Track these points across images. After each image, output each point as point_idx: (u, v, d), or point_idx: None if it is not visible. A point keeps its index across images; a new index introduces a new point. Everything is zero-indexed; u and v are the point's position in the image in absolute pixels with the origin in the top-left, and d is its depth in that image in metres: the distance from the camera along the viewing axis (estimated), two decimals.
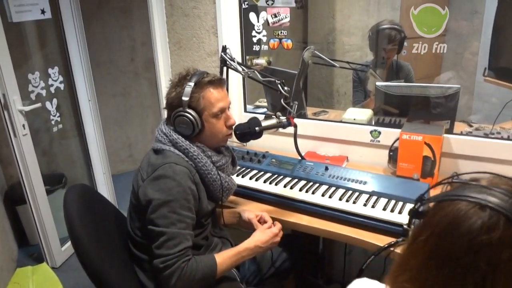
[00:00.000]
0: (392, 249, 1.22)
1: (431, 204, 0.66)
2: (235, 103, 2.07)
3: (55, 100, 2.50)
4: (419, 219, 0.85)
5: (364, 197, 1.43)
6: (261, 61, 2.04)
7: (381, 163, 1.76)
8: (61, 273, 2.36)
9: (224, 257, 1.22)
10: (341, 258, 1.93)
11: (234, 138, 1.41)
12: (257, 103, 2.28)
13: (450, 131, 1.68)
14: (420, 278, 0.61)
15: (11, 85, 2.10)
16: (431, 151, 1.55)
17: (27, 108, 2.18)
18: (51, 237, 2.39)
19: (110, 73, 3.46)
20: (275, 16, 1.95)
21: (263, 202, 1.53)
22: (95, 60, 2.98)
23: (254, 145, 1.83)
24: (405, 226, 1.20)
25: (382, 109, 1.87)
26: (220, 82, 1.28)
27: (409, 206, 1.35)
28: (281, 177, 1.61)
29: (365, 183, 1.49)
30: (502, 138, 1.61)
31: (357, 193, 1.45)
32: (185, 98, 1.22)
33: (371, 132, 1.78)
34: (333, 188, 1.49)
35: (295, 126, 1.47)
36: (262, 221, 1.38)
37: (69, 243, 2.50)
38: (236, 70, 1.59)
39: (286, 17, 1.95)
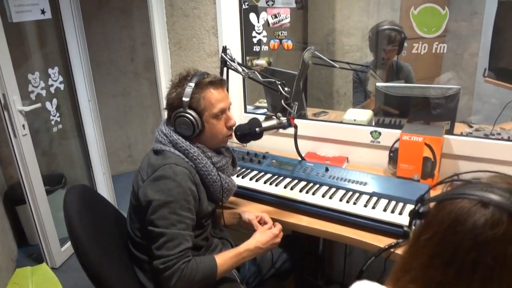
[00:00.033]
0: (392, 250, 1.22)
1: (432, 204, 0.67)
2: (235, 103, 2.07)
3: (55, 100, 2.50)
4: (420, 219, 0.85)
5: (365, 198, 1.43)
6: (261, 61, 2.04)
7: (381, 164, 1.76)
8: (60, 273, 2.36)
9: (224, 258, 1.21)
10: (341, 259, 1.93)
11: (234, 138, 1.41)
12: (257, 104, 2.28)
13: (450, 132, 1.68)
14: (425, 277, 0.61)
15: (11, 85, 2.09)
16: (432, 152, 1.55)
17: (27, 108, 2.18)
18: (50, 237, 2.39)
19: (110, 73, 3.46)
20: (276, 17, 1.95)
21: (263, 203, 1.53)
22: (95, 60, 2.97)
23: (254, 145, 1.83)
24: (405, 228, 1.20)
25: (382, 110, 1.87)
26: (221, 83, 1.28)
27: (410, 207, 1.35)
28: (281, 178, 1.61)
29: (365, 184, 1.49)
30: (502, 139, 1.61)
31: (357, 194, 1.45)
32: (185, 99, 1.22)
33: (371, 133, 1.78)
34: (333, 189, 1.49)
35: (296, 127, 1.47)
36: (262, 222, 1.38)
37: (68, 244, 2.50)
38: (236, 70, 1.58)
39: (286, 18, 1.95)
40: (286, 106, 1.43)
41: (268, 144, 1.89)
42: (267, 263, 1.49)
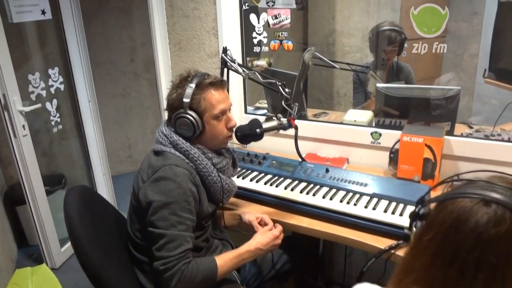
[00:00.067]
0: (393, 251, 1.22)
1: (433, 205, 0.67)
2: (235, 104, 2.06)
3: (55, 101, 2.50)
4: (421, 221, 0.85)
5: (365, 199, 1.43)
6: (262, 62, 2.03)
7: (381, 165, 1.76)
8: (60, 274, 2.36)
9: (224, 259, 1.21)
10: (341, 260, 1.93)
11: (234, 139, 1.40)
12: (257, 104, 2.28)
13: (450, 133, 1.68)
14: (427, 278, 0.61)
15: (11, 86, 2.09)
16: (432, 153, 1.55)
17: (27, 109, 2.18)
18: (50, 238, 2.38)
19: (110, 74, 3.46)
20: (276, 18, 1.95)
21: (264, 204, 1.53)
22: (95, 60, 2.97)
23: (254, 146, 1.83)
24: (406, 231, 1.20)
25: (382, 111, 1.87)
26: (221, 84, 1.28)
27: (410, 208, 1.35)
28: (282, 179, 1.61)
29: (365, 185, 1.49)
30: (502, 140, 1.61)
31: (357, 195, 1.45)
32: (186, 100, 1.22)
33: (371, 134, 1.78)
34: (333, 190, 1.49)
35: (296, 128, 1.47)
36: (262, 223, 1.38)
37: (68, 244, 2.49)
38: (236, 71, 1.58)
39: (286, 19, 1.95)
40: (286, 107, 1.43)
41: (269, 145, 1.88)
42: (268, 265, 1.49)
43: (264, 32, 2.00)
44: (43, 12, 2.31)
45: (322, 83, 2.92)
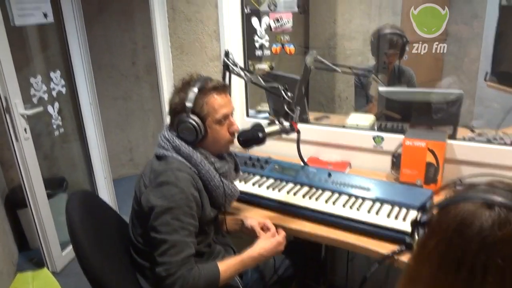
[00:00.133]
0: (396, 257, 1.21)
1: (435, 211, 0.66)
2: (237, 108, 2.06)
3: (56, 104, 2.50)
4: (423, 228, 0.84)
5: (368, 203, 1.42)
6: (264, 66, 2.03)
7: (383, 169, 1.75)
8: (61, 277, 2.35)
9: (227, 265, 1.20)
10: (343, 264, 1.92)
11: (236, 143, 1.40)
12: (259, 108, 2.28)
13: (453, 136, 1.68)
14: (436, 285, 0.61)
15: (13, 89, 2.09)
16: (434, 157, 1.55)
17: (29, 112, 2.18)
18: (51, 241, 2.38)
19: (111, 77, 3.46)
20: (278, 21, 1.95)
21: (266, 209, 1.52)
22: (97, 63, 2.98)
23: (256, 150, 1.83)
24: (408, 240, 1.19)
25: (384, 114, 1.86)
26: (224, 88, 1.27)
27: (413, 212, 1.34)
28: (284, 183, 1.60)
29: (368, 189, 1.49)
30: (505, 144, 1.61)
31: (360, 200, 1.44)
32: (188, 104, 1.21)
33: (374, 138, 1.78)
34: (336, 195, 1.49)
35: (298, 132, 1.47)
36: (265, 228, 1.37)
37: (69, 248, 2.49)
38: (238, 75, 1.58)
39: (288, 22, 1.95)
40: (289, 111, 1.43)
41: (270, 148, 1.87)
42: (270, 270, 1.49)
43: (266, 36, 2.00)
44: (45, 15, 2.31)
45: (324, 87, 2.92)
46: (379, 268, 1.22)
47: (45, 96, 2.40)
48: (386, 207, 1.40)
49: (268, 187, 1.58)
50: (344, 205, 1.42)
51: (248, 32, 2.01)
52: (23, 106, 2.16)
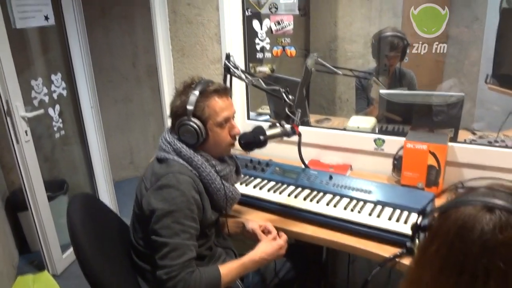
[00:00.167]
0: (398, 260, 1.20)
1: (435, 216, 0.66)
2: (238, 110, 2.06)
3: (57, 107, 2.50)
4: (424, 232, 0.84)
5: (369, 206, 1.42)
6: (264, 68, 2.04)
7: (385, 171, 1.75)
8: (62, 280, 2.34)
9: (228, 268, 1.20)
10: (344, 267, 1.92)
11: (237, 145, 1.40)
12: (260, 110, 2.28)
13: (454, 139, 1.68)
14: None
15: (14, 91, 2.10)
16: (436, 160, 1.54)
17: (30, 115, 2.18)
18: (52, 244, 2.38)
19: (111, 79, 3.46)
20: (279, 24, 1.95)
21: (267, 211, 1.52)
22: (97, 65, 2.98)
23: (257, 153, 1.82)
24: (408, 244, 1.19)
25: (385, 117, 1.86)
26: (225, 91, 1.28)
27: (415, 215, 1.33)
28: (285, 185, 1.60)
29: (369, 192, 1.48)
30: (506, 146, 1.60)
31: (362, 203, 1.44)
32: (189, 107, 1.22)
33: (375, 140, 1.78)
34: (337, 198, 1.49)
35: (300, 135, 1.47)
36: (266, 231, 1.37)
37: (70, 250, 2.49)
38: (240, 78, 1.58)
39: (289, 25, 1.95)
40: (290, 114, 1.43)
41: (271, 151, 1.87)
42: (271, 273, 1.48)
43: (267, 38, 2.00)
44: (46, 18, 2.32)
45: (324, 89, 2.92)
46: (380, 271, 1.22)
47: (46, 99, 2.40)
48: (388, 210, 1.39)
49: (269, 190, 1.58)
50: (345, 208, 1.42)
51: (249, 35, 2.02)
52: (24, 108, 2.16)
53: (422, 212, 0.85)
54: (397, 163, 1.68)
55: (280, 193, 1.55)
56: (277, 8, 1.93)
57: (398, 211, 1.38)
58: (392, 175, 1.72)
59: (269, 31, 1.98)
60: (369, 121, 1.90)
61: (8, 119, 2.10)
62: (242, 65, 2.03)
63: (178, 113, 1.24)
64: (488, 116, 2.26)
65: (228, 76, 1.64)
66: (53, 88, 2.47)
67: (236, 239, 1.47)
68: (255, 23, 1.99)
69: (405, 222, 1.32)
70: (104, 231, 1.31)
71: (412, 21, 1.76)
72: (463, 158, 1.63)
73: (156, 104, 3.17)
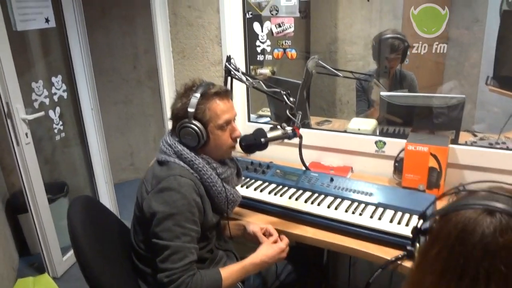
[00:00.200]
0: (399, 262, 1.20)
1: (436, 219, 0.66)
2: (238, 112, 2.05)
3: (58, 109, 2.50)
4: (425, 236, 0.84)
5: (370, 208, 1.42)
6: (265, 70, 2.04)
7: (386, 173, 1.75)
8: (62, 283, 2.34)
9: (229, 271, 1.20)
10: (345, 269, 1.91)
11: (238, 147, 1.40)
12: (260, 112, 2.28)
13: (455, 141, 1.68)
14: None
15: (15, 94, 2.09)
16: (437, 162, 1.54)
17: (30, 117, 2.18)
18: (52, 246, 2.37)
19: (111, 81, 3.46)
20: (279, 26, 1.96)
21: (268, 214, 1.51)
22: (98, 67, 2.98)
23: (257, 155, 1.82)
24: (409, 248, 1.19)
25: (386, 119, 1.86)
26: (226, 94, 1.27)
27: (416, 218, 1.33)
28: (286, 188, 1.60)
29: (370, 194, 1.48)
30: (507, 148, 1.60)
31: (363, 205, 1.44)
32: (190, 110, 1.21)
33: (376, 142, 1.78)
34: (338, 200, 1.48)
35: (301, 137, 1.46)
36: (267, 234, 1.37)
37: (70, 253, 2.48)
38: (240, 80, 1.58)
39: (290, 27, 1.95)
40: (291, 116, 1.43)
41: (271, 153, 1.87)
42: (272, 275, 1.48)
43: (268, 41, 2.00)
44: (47, 20, 2.32)
45: (325, 91, 2.92)
46: (382, 274, 1.21)
47: (47, 101, 2.40)
48: (389, 212, 1.39)
49: (270, 192, 1.57)
50: (346, 210, 1.41)
51: (250, 37, 2.02)
52: (25, 110, 2.16)
53: (422, 216, 0.85)
54: (398, 165, 1.67)
55: (281, 195, 1.55)
56: (277, 11, 1.94)
57: (399, 214, 1.38)
58: (393, 177, 1.72)
59: (270, 33, 1.98)
60: (370, 123, 1.90)
61: (9, 121, 2.10)
62: (243, 67, 2.03)
63: (179, 115, 1.24)
64: (489, 118, 2.26)
65: (229, 78, 1.64)
66: (53, 90, 2.46)
67: (237, 241, 1.47)
68: (256, 26, 1.99)
69: (407, 224, 1.32)
70: (104, 234, 1.31)
71: (412, 21, 1.76)
72: (464, 160, 1.62)
73: (157, 106, 3.17)
